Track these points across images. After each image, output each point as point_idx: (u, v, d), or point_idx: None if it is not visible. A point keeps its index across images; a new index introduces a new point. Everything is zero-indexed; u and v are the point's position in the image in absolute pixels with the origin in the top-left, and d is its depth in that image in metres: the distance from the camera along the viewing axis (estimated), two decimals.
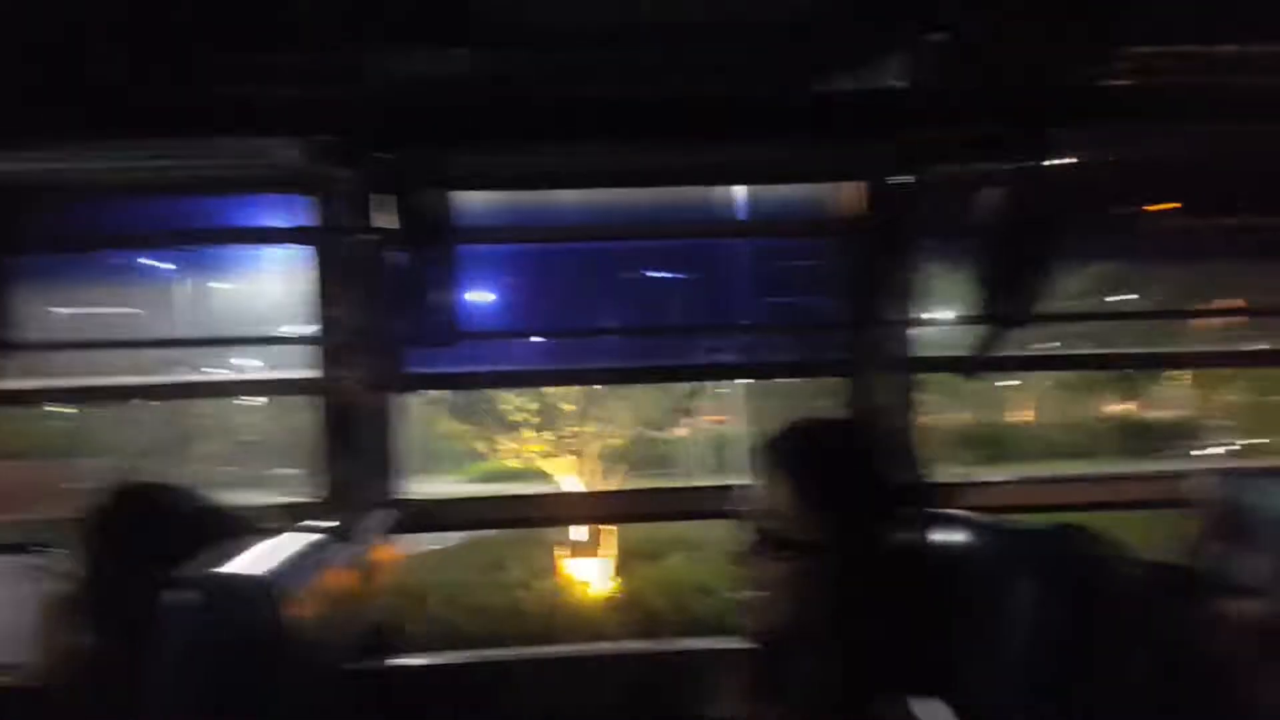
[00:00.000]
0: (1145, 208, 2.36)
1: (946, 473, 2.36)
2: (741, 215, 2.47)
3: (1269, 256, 2.55)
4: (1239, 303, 2.86)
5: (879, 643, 1.19)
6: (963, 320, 2.17)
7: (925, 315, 2.27)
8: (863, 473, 1.21)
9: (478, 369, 2.34)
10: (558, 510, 2.58)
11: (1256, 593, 1.74)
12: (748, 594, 1.25)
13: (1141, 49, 1.84)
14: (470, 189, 2.06)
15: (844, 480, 1.19)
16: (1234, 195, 2.35)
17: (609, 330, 2.39)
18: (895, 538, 1.21)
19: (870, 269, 2.23)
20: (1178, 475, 2.10)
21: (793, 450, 1.22)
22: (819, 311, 2.39)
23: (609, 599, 7.75)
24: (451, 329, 2.09)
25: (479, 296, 2.40)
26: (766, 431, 1.26)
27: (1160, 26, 1.79)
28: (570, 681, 2.12)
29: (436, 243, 2.00)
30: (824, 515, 1.16)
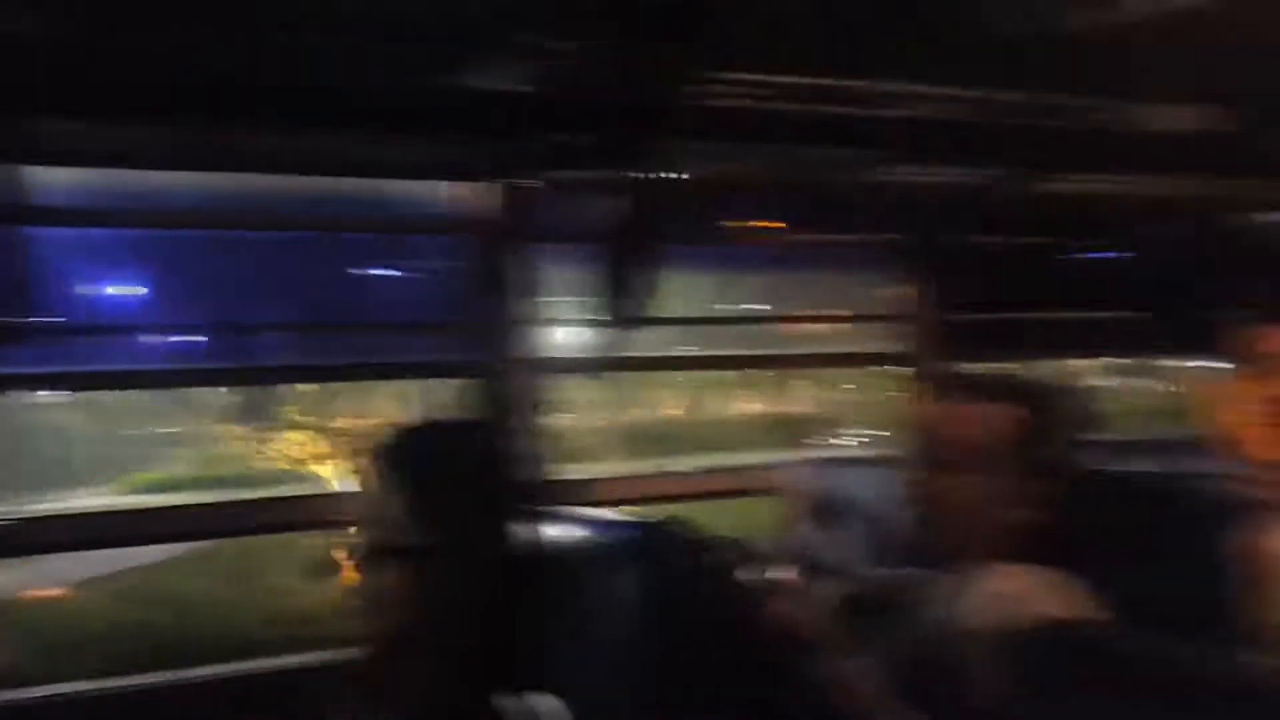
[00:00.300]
0: (751, 222, 2.57)
1: (574, 470, 2.43)
2: (369, 210, 2.39)
3: (856, 269, 2.87)
4: (837, 310, 3.19)
5: (492, 644, 1.18)
6: (588, 322, 2.25)
7: (553, 316, 2.32)
8: (475, 474, 1.19)
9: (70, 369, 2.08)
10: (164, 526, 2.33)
11: (837, 571, 1.95)
12: (358, 602, 1.20)
13: (746, 75, 1.99)
14: (38, 164, 1.81)
15: (454, 482, 1.17)
16: (826, 214, 2.62)
17: (201, 327, 2.21)
18: (509, 538, 1.21)
19: (497, 269, 2.24)
20: (780, 465, 2.31)
21: (401, 453, 1.18)
22: (447, 311, 2.37)
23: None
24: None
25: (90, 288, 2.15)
26: (374, 436, 1.22)
27: (765, 55, 1.95)
28: (179, 707, 1.96)
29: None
30: (434, 518, 1.13)
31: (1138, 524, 1.48)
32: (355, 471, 1.18)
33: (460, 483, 1.16)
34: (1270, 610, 1.48)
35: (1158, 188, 2.69)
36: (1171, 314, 2.94)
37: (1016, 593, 1.33)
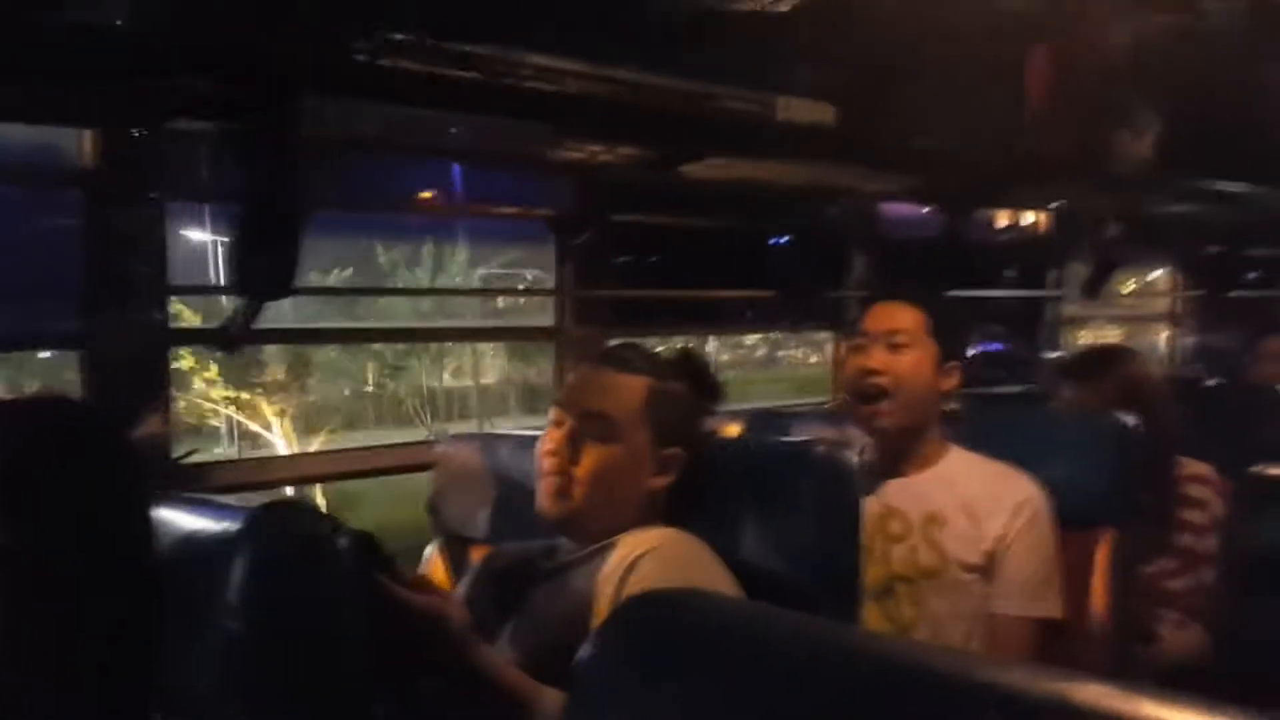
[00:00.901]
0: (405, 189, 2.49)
1: (209, 452, 2.25)
2: None
3: (513, 242, 2.86)
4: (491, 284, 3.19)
5: (87, 659, 1.05)
6: (219, 290, 2.07)
7: (178, 283, 2.12)
8: (58, 462, 1.05)
9: None
10: None
11: (482, 540, 1.94)
12: None
13: (402, 36, 1.90)
14: None
15: (24, 472, 1.02)
16: (481, 185, 2.60)
17: None
18: (109, 535, 1.08)
19: (116, 229, 2.00)
20: (435, 441, 2.26)
21: None
22: (52, 275, 2.09)
23: None
24: None
25: None
26: None
27: (422, 18, 1.87)
28: None
29: None
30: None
31: (765, 490, 1.59)
32: None
33: (33, 472, 1.02)
34: (867, 567, 1.65)
35: (792, 175, 2.91)
36: (804, 293, 3.21)
37: (649, 559, 1.38)
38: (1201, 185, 3.58)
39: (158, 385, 2.03)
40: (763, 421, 2.45)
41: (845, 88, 2.27)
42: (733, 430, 2.30)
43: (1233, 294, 4.93)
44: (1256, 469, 1.22)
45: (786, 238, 3.15)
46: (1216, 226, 4.56)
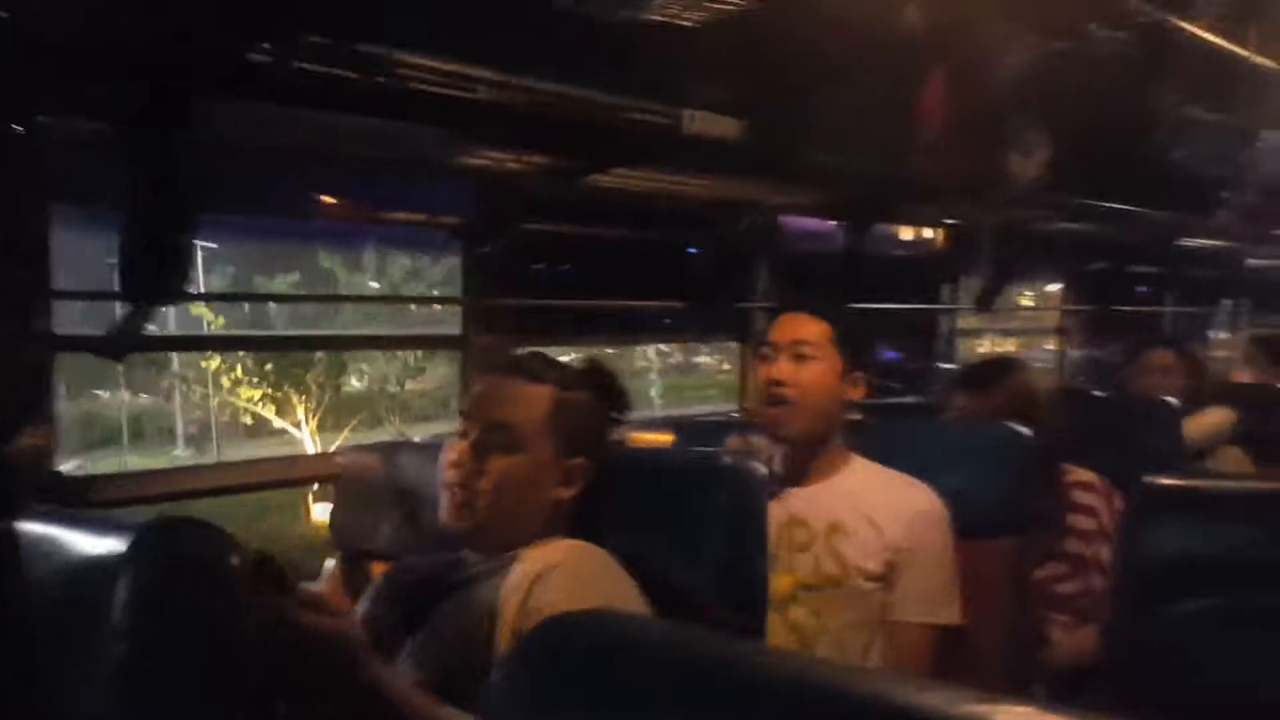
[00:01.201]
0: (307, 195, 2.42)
1: (94, 465, 2.14)
2: None
3: (417, 249, 2.81)
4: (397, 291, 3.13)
5: None
6: (107, 295, 1.98)
7: (63, 288, 2.01)
8: None
9: None
10: None
11: (384, 555, 1.90)
12: None
13: (308, 38, 1.84)
14: None
15: None
16: (386, 192, 2.54)
17: None
18: None
19: None
20: (337, 452, 2.20)
21: None
22: None
23: None
24: None
25: None
26: None
27: (334, 23, 1.82)
28: None
29: None
30: None
31: (672, 500, 1.58)
32: None
33: None
34: (773, 576, 1.66)
35: (699, 188, 2.93)
36: (711, 303, 3.24)
37: (554, 573, 1.37)
38: (1090, 204, 3.73)
39: (40, 395, 1.93)
40: (673, 429, 2.46)
41: (751, 102, 2.29)
42: (660, 439, 2.31)
43: (1119, 309, 5.15)
44: (1146, 478, 1.27)
45: (694, 249, 3.17)
46: (1105, 244, 4.76)
